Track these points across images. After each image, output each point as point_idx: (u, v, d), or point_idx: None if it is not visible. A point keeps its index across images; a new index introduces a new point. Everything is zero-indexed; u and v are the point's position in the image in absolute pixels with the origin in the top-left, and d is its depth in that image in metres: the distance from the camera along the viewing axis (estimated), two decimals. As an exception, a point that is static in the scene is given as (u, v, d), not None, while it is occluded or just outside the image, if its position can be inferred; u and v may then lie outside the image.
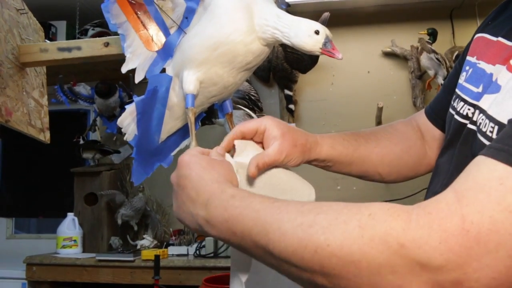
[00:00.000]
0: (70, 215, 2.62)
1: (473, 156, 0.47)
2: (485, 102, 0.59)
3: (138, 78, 0.88)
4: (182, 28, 0.84)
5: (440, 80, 2.52)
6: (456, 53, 2.58)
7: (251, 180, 0.68)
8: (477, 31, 0.76)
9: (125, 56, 0.88)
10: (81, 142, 2.76)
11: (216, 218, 0.58)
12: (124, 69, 0.88)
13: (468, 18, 2.70)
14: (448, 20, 2.76)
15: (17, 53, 1.07)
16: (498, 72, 0.59)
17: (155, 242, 2.62)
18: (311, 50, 0.75)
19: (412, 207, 0.45)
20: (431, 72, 2.56)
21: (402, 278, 0.41)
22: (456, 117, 0.69)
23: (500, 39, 0.65)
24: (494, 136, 0.53)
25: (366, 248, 0.43)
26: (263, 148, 0.74)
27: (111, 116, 2.75)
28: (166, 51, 0.86)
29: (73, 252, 2.54)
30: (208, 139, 2.67)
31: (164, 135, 0.92)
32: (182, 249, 2.45)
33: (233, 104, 0.92)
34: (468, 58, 0.73)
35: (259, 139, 0.74)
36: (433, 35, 2.61)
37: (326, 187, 2.58)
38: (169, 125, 0.91)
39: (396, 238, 0.42)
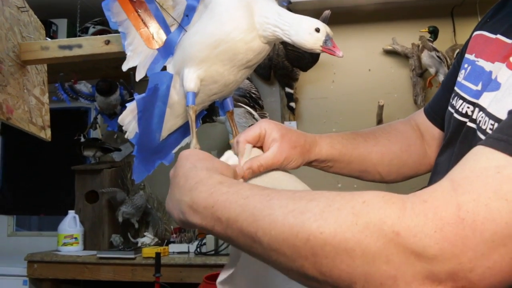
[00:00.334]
0: (71, 213, 2.62)
1: None
2: (485, 100, 0.59)
3: (139, 76, 0.88)
4: (182, 26, 0.84)
5: (441, 78, 2.52)
6: (457, 51, 2.58)
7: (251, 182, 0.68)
8: (476, 29, 0.76)
9: (125, 54, 0.88)
10: (82, 140, 2.76)
11: (200, 204, 0.55)
12: (125, 67, 0.88)
13: (469, 16, 2.70)
14: (449, 17, 2.76)
15: (18, 51, 1.07)
16: (498, 69, 0.59)
17: (156, 239, 2.63)
18: (312, 48, 0.75)
19: (407, 195, 0.43)
20: (432, 70, 2.56)
21: (396, 268, 0.40)
22: (456, 115, 0.69)
23: (499, 36, 0.64)
24: None
25: (361, 236, 0.41)
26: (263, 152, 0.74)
27: (112, 114, 2.76)
28: (167, 49, 0.86)
29: (74, 249, 2.55)
30: (209, 137, 2.68)
31: (165, 133, 0.92)
32: (183, 247, 2.46)
33: (234, 102, 0.92)
34: (467, 56, 0.72)
35: (262, 144, 0.75)
36: (434, 33, 2.61)
37: (326, 186, 2.58)
38: (170, 123, 0.91)
39: (391, 226, 0.41)
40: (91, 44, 1.08)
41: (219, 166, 0.62)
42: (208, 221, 0.54)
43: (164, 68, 0.87)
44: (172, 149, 0.96)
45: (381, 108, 2.56)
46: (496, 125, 0.52)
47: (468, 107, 0.66)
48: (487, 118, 0.55)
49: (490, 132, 0.54)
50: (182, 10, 0.85)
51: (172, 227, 2.71)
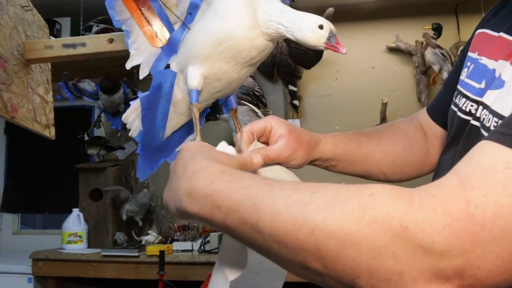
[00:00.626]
0: (75, 211, 2.63)
1: None
2: (489, 98, 0.58)
3: (142, 74, 0.88)
4: (186, 24, 0.84)
5: (445, 75, 2.51)
6: (461, 48, 2.56)
7: None
8: (478, 27, 0.75)
9: (129, 53, 0.88)
10: (86, 138, 2.77)
11: (199, 191, 0.53)
12: (128, 65, 0.88)
13: (473, 13, 2.68)
14: (453, 14, 2.74)
15: (22, 49, 1.08)
16: (502, 67, 0.58)
17: (160, 237, 2.63)
18: (315, 45, 0.75)
19: (413, 189, 0.42)
20: (436, 67, 2.55)
21: (403, 264, 0.39)
22: (459, 113, 0.69)
23: (502, 34, 0.64)
24: None
25: (367, 229, 0.40)
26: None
27: (116, 112, 2.76)
28: (170, 47, 0.86)
29: (79, 247, 2.56)
30: (213, 135, 2.68)
31: (168, 131, 0.92)
32: (187, 245, 2.46)
33: (238, 100, 0.92)
34: (469, 54, 0.72)
35: (265, 139, 0.75)
36: (438, 30, 2.60)
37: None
38: (174, 121, 0.91)
39: (399, 220, 0.39)
40: (94, 43, 1.08)
41: (220, 156, 0.61)
42: (207, 209, 0.52)
43: (168, 66, 0.87)
44: (176, 147, 0.96)
45: (384, 105, 2.56)
46: (500, 122, 0.52)
47: (472, 105, 0.65)
48: (491, 116, 0.55)
49: (494, 129, 0.53)
50: (185, 8, 0.85)
51: (176, 225, 2.71)
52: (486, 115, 0.57)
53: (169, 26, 0.87)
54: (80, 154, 2.88)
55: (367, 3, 2.80)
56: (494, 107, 0.55)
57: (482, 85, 0.63)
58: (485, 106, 0.58)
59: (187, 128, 0.94)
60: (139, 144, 0.92)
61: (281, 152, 0.71)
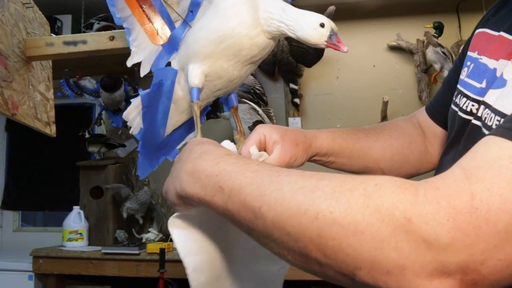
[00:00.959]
0: (76, 209, 2.63)
1: None
2: (491, 97, 0.58)
3: (143, 72, 0.88)
4: (187, 22, 0.84)
5: (446, 74, 2.50)
6: (462, 46, 2.56)
7: None
8: (478, 26, 0.75)
9: (130, 50, 0.88)
10: (87, 136, 2.77)
11: (204, 171, 0.53)
12: (129, 63, 0.88)
13: (474, 12, 2.68)
14: (455, 13, 2.74)
15: (23, 47, 1.08)
16: (503, 67, 0.58)
17: (160, 235, 2.63)
18: (316, 43, 0.75)
19: (418, 182, 0.42)
20: (437, 66, 2.55)
21: (405, 257, 0.39)
22: (460, 113, 0.69)
23: (502, 33, 0.64)
24: None
25: (371, 219, 0.40)
26: None
27: (117, 110, 2.76)
28: (171, 45, 0.86)
29: (79, 245, 2.56)
30: (214, 133, 2.68)
31: (169, 128, 0.92)
32: (187, 243, 2.46)
33: (238, 98, 0.92)
34: (469, 53, 0.72)
35: (262, 149, 0.74)
36: (439, 28, 2.59)
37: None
38: (175, 119, 0.91)
39: (403, 211, 0.39)
40: (95, 40, 1.08)
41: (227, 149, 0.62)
42: (209, 190, 0.52)
43: (169, 64, 0.87)
44: (177, 144, 0.96)
45: (385, 104, 2.56)
46: (502, 121, 0.52)
47: (473, 105, 0.65)
48: (493, 115, 0.55)
49: None
50: (186, 5, 0.85)
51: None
52: (488, 114, 0.57)
53: (170, 23, 0.87)
54: (80, 152, 2.88)
55: (368, 2, 2.79)
56: (496, 106, 0.55)
57: (483, 85, 0.63)
58: (487, 105, 0.58)
59: (187, 126, 0.94)
60: (140, 141, 0.92)
61: (280, 160, 0.71)
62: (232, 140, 0.77)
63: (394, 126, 0.89)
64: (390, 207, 0.40)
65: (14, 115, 0.99)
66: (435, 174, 0.78)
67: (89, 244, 2.61)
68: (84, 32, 2.70)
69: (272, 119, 2.62)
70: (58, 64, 1.33)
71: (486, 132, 0.55)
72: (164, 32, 0.87)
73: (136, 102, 0.89)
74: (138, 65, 0.88)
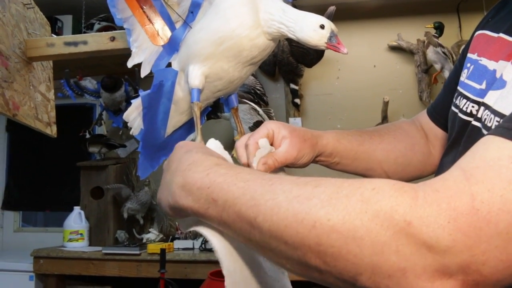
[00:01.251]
0: (77, 209, 2.64)
1: None
2: (490, 98, 0.58)
3: (144, 73, 0.88)
4: (187, 23, 0.84)
5: (447, 74, 2.50)
6: (462, 47, 2.56)
7: None
8: (477, 29, 0.75)
9: (131, 51, 0.88)
10: (87, 136, 2.77)
11: (194, 184, 0.52)
12: (130, 63, 0.88)
13: (475, 12, 2.68)
14: (455, 13, 2.74)
15: (24, 47, 1.08)
16: (503, 68, 0.58)
17: (161, 235, 2.64)
18: (317, 44, 0.75)
19: (417, 184, 0.42)
20: (437, 66, 2.55)
21: (406, 260, 0.38)
22: (460, 115, 0.69)
23: (502, 35, 0.64)
24: None
25: (370, 224, 0.39)
26: None
27: (117, 110, 2.77)
28: (172, 46, 0.86)
29: (80, 245, 2.56)
30: (214, 133, 2.67)
31: (169, 129, 0.92)
32: (188, 243, 2.46)
33: (239, 99, 0.92)
34: (469, 55, 0.72)
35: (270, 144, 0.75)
36: (439, 28, 2.59)
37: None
38: (175, 120, 0.91)
39: (403, 215, 0.39)
40: (96, 41, 1.08)
41: (216, 155, 0.61)
42: (202, 203, 0.51)
43: (169, 65, 0.87)
44: (177, 145, 0.96)
45: (386, 104, 2.56)
46: (501, 121, 0.52)
47: (473, 106, 0.65)
48: (492, 116, 0.55)
49: None
50: (187, 6, 0.85)
51: (176, 223, 2.71)
52: (487, 115, 0.57)
53: (171, 24, 0.87)
54: (81, 152, 2.88)
55: (368, 2, 2.79)
56: (495, 107, 0.55)
57: (483, 86, 0.63)
58: (487, 107, 0.58)
59: (188, 127, 0.95)
60: (140, 142, 0.92)
61: (287, 153, 0.71)
62: (233, 141, 0.77)
63: (397, 129, 0.89)
64: (389, 211, 0.39)
65: (15, 116, 1.00)
66: (436, 175, 0.78)
67: (90, 245, 2.62)
68: (84, 32, 2.70)
69: (272, 119, 2.62)
70: (58, 65, 1.33)
71: (486, 133, 0.55)
72: (164, 33, 0.87)
73: (136, 103, 0.89)
74: (138, 66, 0.88)
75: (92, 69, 2.72)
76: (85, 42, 1.08)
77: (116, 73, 2.69)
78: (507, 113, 0.51)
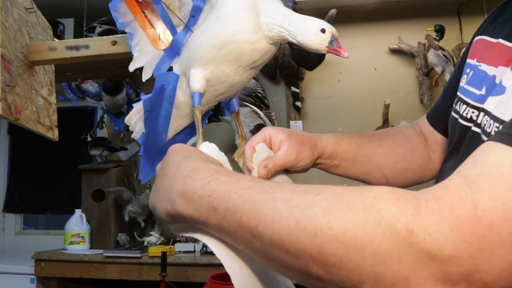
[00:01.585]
0: (78, 212, 2.64)
1: None
2: (490, 104, 0.58)
3: (145, 77, 0.88)
4: (189, 27, 0.85)
5: (447, 77, 2.50)
6: (463, 49, 2.56)
7: None
8: (476, 34, 0.75)
9: (132, 55, 0.88)
10: (89, 139, 2.78)
11: (195, 192, 0.51)
12: (131, 67, 0.89)
13: (476, 15, 2.68)
14: (456, 16, 2.74)
15: (26, 51, 1.08)
16: (502, 73, 0.58)
17: (162, 238, 2.64)
18: (317, 48, 0.75)
19: (418, 192, 0.42)
20: (438, 69, 2.55)
21: (409, 269, 0.38)
22: (460, 120, 0.69)
23: (501, 40, 0.64)
24: None
25: (372, 233, 0.39)
26: None
27: (119, 113, 2.77)
28: (173, 50, 0.87)
29: (81, 248, 2.56)
30: (215, 137, 2.68)
31: (171, 133, 0.92)
32: (189, 246, 2.46)
33: (240, 102, 0.92)
34: (468, 61, 0.72)
35: None
36: (440, 31, 2.60)
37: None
38: (176, 123, 0.91)
39: (405, 224, 0.38)
40: (98, 45, 1.08)
41: (214, 161, 0.60)
42: (202, 211, 0.50)
43: (171, 69, 0.88)
44: (179, 149, 0.96)
45: (387, 107, 2.56)
46: (501, 127, 0.51)
47: (473, 112, 0.65)
48: (492, 121, 0.55)
49: None
50: (188, 10, 0.85)
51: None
52: (487, 121, 0.57)
53: (172, 28, 0.87)
54: (82, 155, 2.88)
55: (369, 5, 2.80)
56: (495, 113, 0.55)
57: (483, 92, 0.63)
58: (486, 112, 0.58)
59: (189, 131, 0.95)
60: (142, 146, 0.93)
61: (287, 156, 0.71)
62: (234, 145, 0.77)
63: (397, 133, 0.89)
64: (391, 220, 0.39)
65: (17, 120, 1.00)
66: (436, 181, 0.78)
67: (91, 247, 2.62)
68: (86, 35, 2.71)
69: (273, 122, 2.63)
70: (60, 68, 1.33)
71: (485, 139, 0.55)
72: (166, 37, 0.87)
73: (138, 107, 0.89)
74: (140, 70, 0.89)
75: (94, 72, 2.73)
76: (87, 46, 1.09)
77: (118, 76, 2.70)
78: (506, 119, 0.51)
